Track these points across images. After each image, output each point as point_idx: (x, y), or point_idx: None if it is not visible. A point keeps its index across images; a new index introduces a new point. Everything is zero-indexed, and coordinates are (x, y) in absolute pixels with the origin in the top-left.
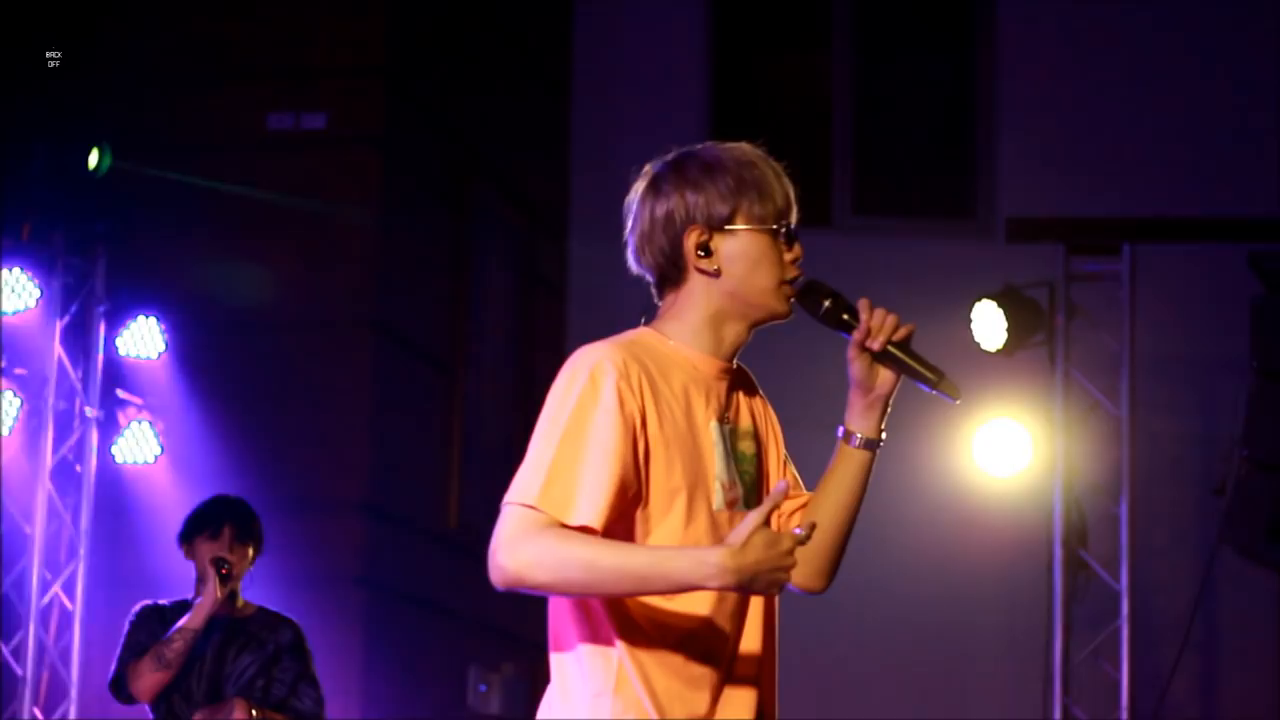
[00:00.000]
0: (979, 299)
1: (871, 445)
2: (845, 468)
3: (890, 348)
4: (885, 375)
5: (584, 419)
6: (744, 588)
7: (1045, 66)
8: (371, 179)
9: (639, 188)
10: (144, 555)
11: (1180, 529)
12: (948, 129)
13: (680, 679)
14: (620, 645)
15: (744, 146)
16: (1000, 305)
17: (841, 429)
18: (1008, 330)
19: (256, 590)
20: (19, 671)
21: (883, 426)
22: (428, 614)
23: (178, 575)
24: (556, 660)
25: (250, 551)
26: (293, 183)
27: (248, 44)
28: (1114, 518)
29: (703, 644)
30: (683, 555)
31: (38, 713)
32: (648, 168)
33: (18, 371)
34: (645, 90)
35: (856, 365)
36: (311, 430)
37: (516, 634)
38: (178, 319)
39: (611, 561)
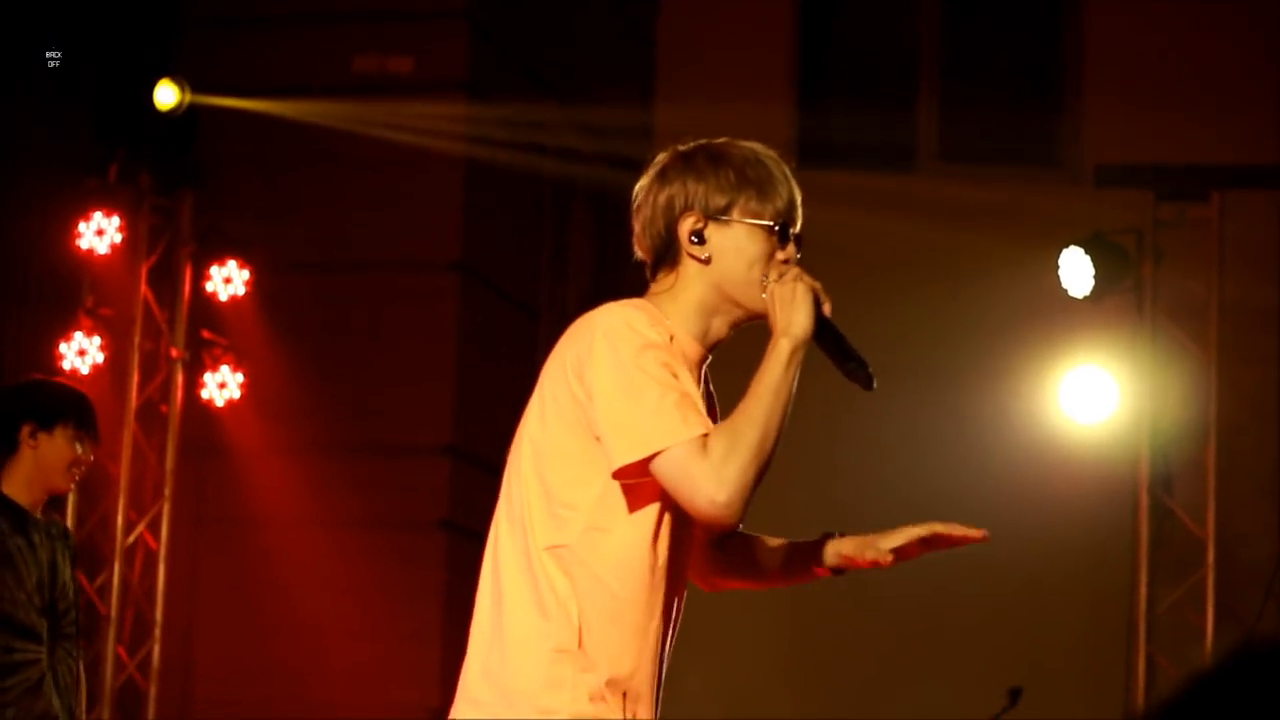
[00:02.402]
0: (1067, 245)
1: (837, 574)
2: (804, 567)
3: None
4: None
5: (653, 358)
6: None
7: (1134, 12)
8: (456, 122)
9: (647, 175)
10: (228, 495)
11: (1265, 477)
12: (1035, 75)
13: (633, 634)
14: (578, 604)
15: (756, 146)
16: (1088, 252)
17: (828, 550)
18: (1095, 277)
19: (340, 530)
20: (104, 610)
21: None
22: None
23: (262, 514)
24: (511, 615)
25: None
26: (378, 125)
27: None
28: (1199, 465)
29: (650, 599)
30: (776, 343)
31: (122, 651)
32: (659, 156)
33: (104, 312)
34: (732, 33)
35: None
36: (396, 373)
37: None
38: (263, 260)
39: (763, 405)
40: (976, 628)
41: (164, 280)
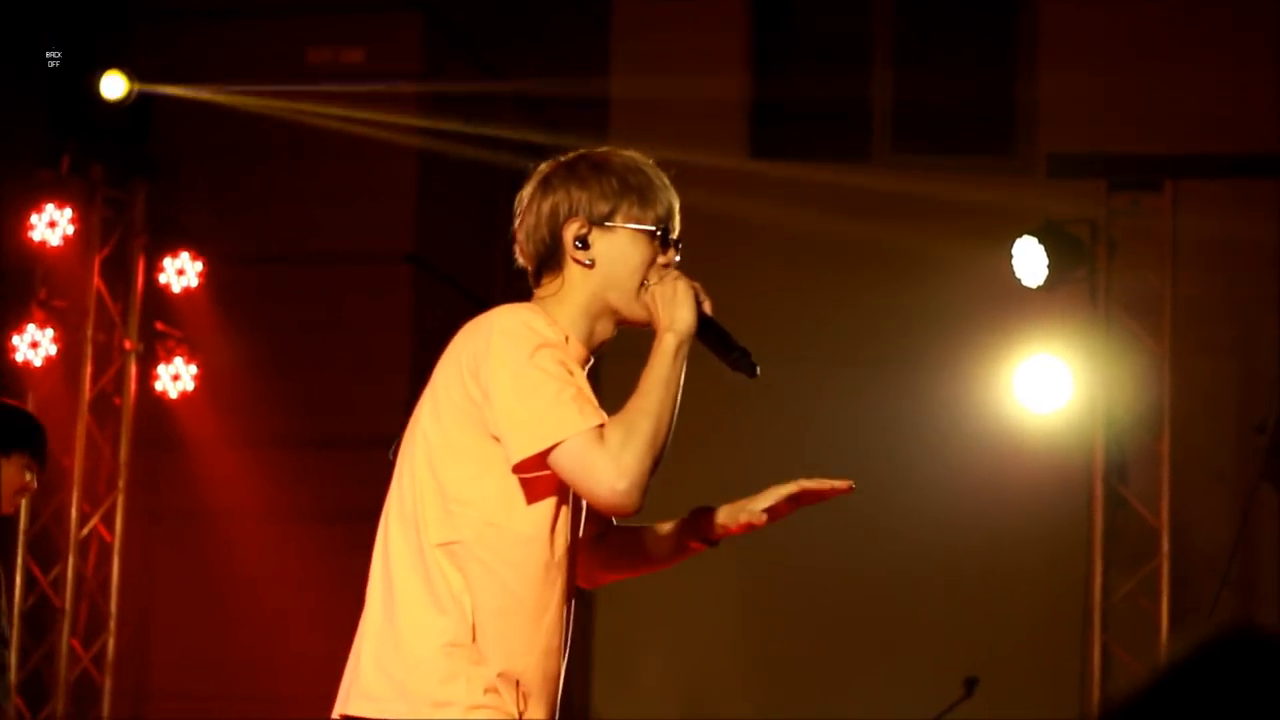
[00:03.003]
0: (1020, 235)
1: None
2: (680, 549)
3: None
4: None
5: (549, 356)
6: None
7: (1087, 2)
8: (409, 114)
9: (530, 184)
10: (182, 488)
11: (1220, 467)
12: (989, 65)
13: (527, 628)
14: (472, 598)
15: (635, 154)
16: (1041, 241)
17: (704, 523)
18: (1049, 266)
19: (296, 522)
20: (58, 603)
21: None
22: None
23: (216, 507)
24: (404, 611)
25: None
26: (331, 116)
27: None
28: (1154, 455)
29: (545, 593)
30: (662, 339)
31: (76, 644)
32: (540, 166)
33: (57, 304)
34: (685, 24)
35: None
36: (350, 364)
37: None
38: (216, 252)
39: (655, 397)
40: (931, 618)
41: (117, 272)
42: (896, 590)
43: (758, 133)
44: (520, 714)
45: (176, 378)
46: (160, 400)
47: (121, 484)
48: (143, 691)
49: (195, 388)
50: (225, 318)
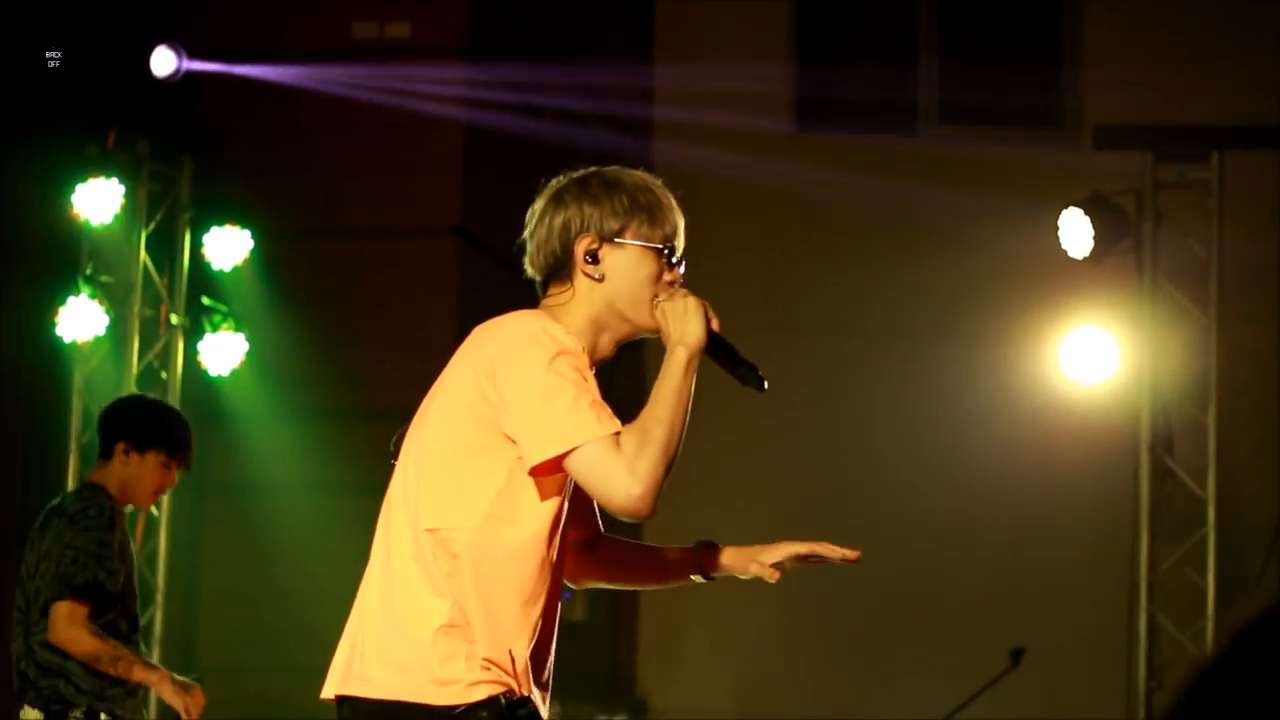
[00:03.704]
0: (1066, 206)
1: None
2: (675, 576)
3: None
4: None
5: (567, 363)
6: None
7: None
8: (455, 87)
9: (542, 198)
10: (229, 462)
11: (1266, 437)
12: (1035, 36)
13: (514, 620)
14: (465, 586)
15: (645, 174)
16: (1087, 213)
17: (707, 560)
18: (1095, 238)
19: (341, 495)
20: None
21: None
22: None
23: (263, 481)
24: (402, 595)
25: None
26: (377, 91)
27: None
28: (1200, 426)
29: (536, 589)
30: (673, 352)
31: None
32: (553, 181)
33: (104, 279)
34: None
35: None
36: (395, 337)
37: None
38: (262, 227)
39: (668, 408)
40: (978, 589)
41: (163, 247)
42: (942, 561)
43: (804, 104)
44: (517, 685)
45: (223, 352)
46: (206, 375)
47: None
48: (190, 665)
49: (241, 362)
50: (271, 292)
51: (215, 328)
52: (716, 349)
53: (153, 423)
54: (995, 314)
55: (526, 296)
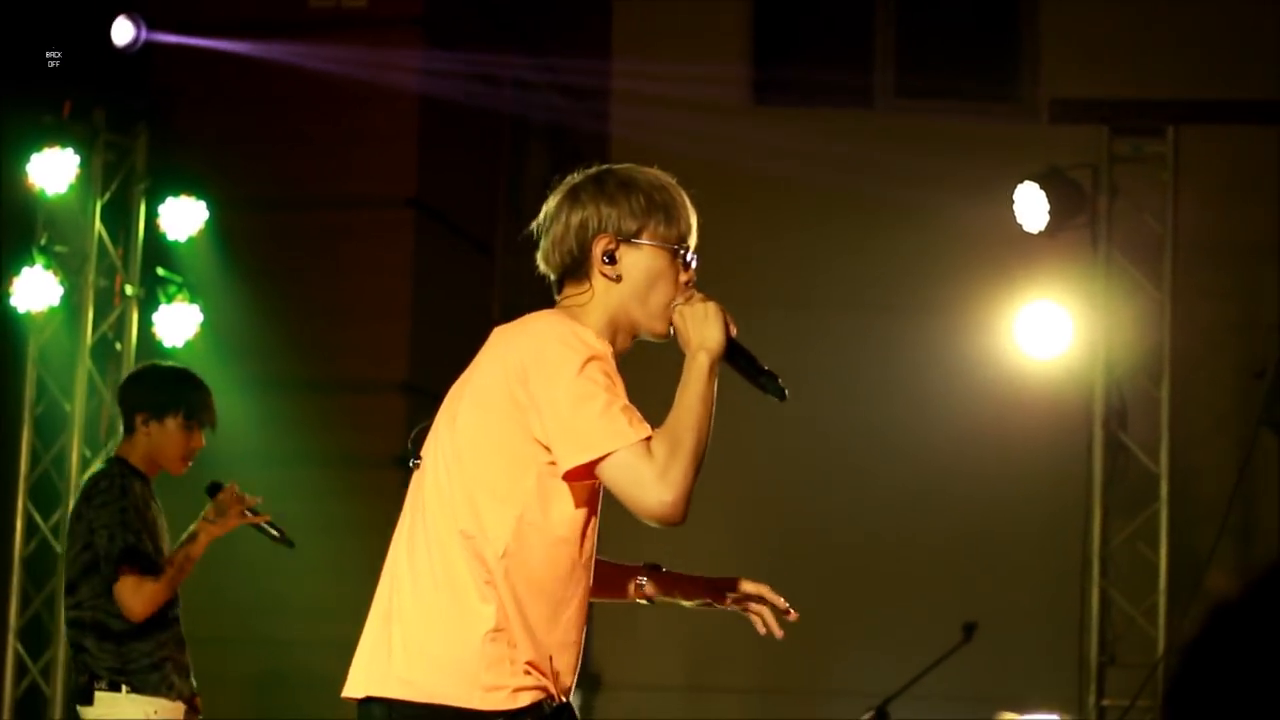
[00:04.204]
0: (1022, 180)
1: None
2: (616, 594)
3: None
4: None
5: (598, 368)
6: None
7: None
8: (411, 58)
9: (557, 195)
10: None
11: (1220, 412)
12: (992, 11)
13: (552, 620)
14: (504, 590)
15: (659, 172)
16: (1043, 187)
17: (646, 583)
18: (1050, 212)
19: (297, 466)
20: (59, 548)
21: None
22: None
23: (216, 452)
24: (439, 600)
25: None
26: (333, 62)
27: None
28: (1154, 400)
29: (569, 590)
30: (695, 357)
31: None
32: (568, 178)
33: (58, 249)
34: None
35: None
36: (351, 309)
37: None
38: (218, 197)
39: (695, 414)
40: (931, 563)
41: (118, 217)
42: (896, 536)
43: (762, 80)
44: (555, 691)
45: (177, 323)
46: (161, 346)
47: (122, 429)
48: None
49: (196, 333)
50: (226, 263)
51: (170, 298)
52: (736, 356)
53: (166, 388)
54: (950, 288)
55: (481, 269)
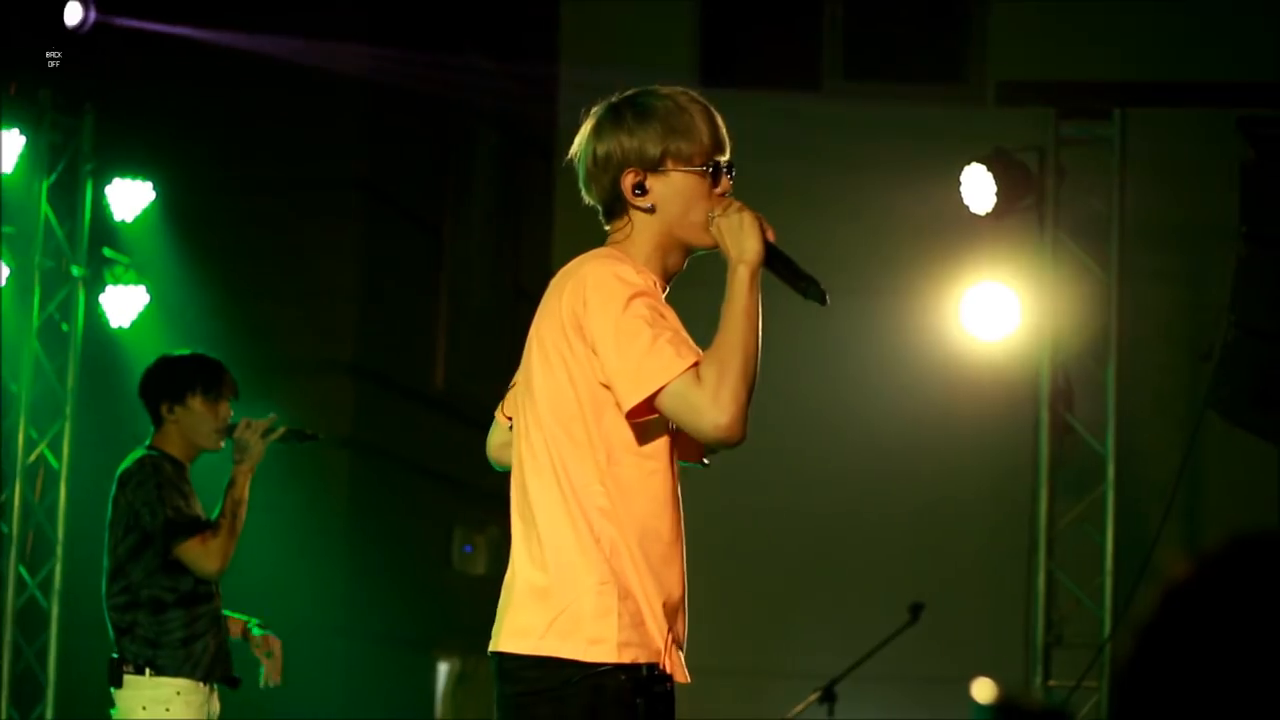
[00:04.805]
0: (969, 162)
1: None
2: None
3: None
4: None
5: (642, 304)
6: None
7: None
8: (360, 40)
9: (585, 129)
10: (131, 414)
11: (1166, 394)
12: None
13: (664, 558)
14: (614, 538)
15: (677, 92)
16: (990, 168)
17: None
18: (997, 194)
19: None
20: (5, 529)
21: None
22: (413, 475)
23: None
24: (553, 554)
25: None
26: (280, 42)
27: None
28: (1100, 382)
29: (674, 523)
30: (735, 271)
31: (23, 570)
32: (593, 110)
33: (5, 230)
34: None
35: None
36: (299, 290)
37: (502, 495)
38: (165, 177)
39: (739, 331)
40: (877, 544)
41: (65, 198)
42: (842, 517)
43: (708, 61)
44: (665, 646)
45: (124, 304)
46: (108, 326)
47: (69, 410)
48: (92, 620)
49: (143, 313)
50: (173, 244)
51: (117, 279)
52: (775, 262)
53: (179, 372)
54: (896, 269)
55: (429, 251)
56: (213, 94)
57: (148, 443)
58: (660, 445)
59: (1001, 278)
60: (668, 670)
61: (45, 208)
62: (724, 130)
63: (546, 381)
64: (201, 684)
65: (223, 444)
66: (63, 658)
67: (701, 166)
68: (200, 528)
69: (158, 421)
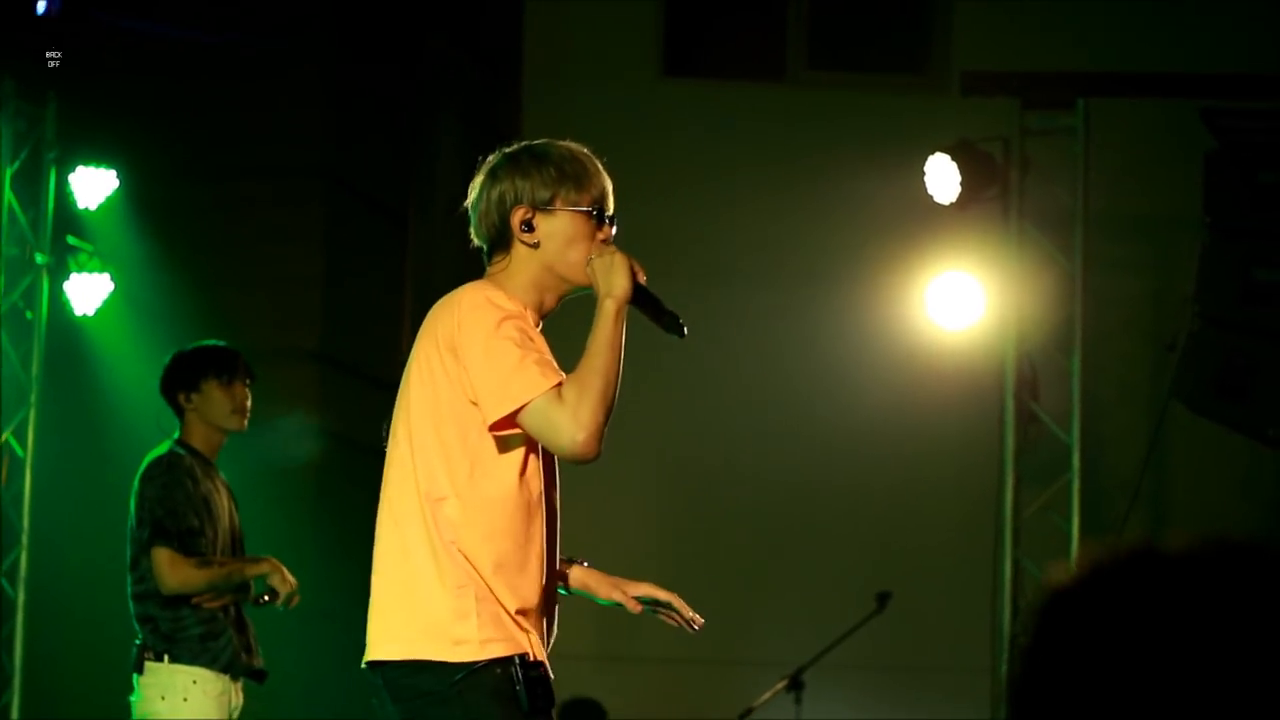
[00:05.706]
0: (933, 152)
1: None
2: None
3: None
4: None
5: (512, 326)
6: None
7: None
8: (324, 27)
9: (480, 174)
10: (95, 402)
11: (1131, 384)
12: None
13: (518, 564)
14: (469, 543)
15: (571, 144)
16: (954, 158)
17: (573, 573)
18: (961, 184)
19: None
20: None
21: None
22: (379, 464)
23: (127, 421)
24: (414, 562)
25: None
26: (243, 29)
27: None
28: (1065, 372)
29: (528, 530)
30: (603, 304)
31: None
32: (489, 158)
33: None
34: None
35: None
36: (263, 279)
37: None
38: (129, 165)
39: (602, 358)
40: (844, 533)
41: (28, 185)
42: (809, 507)
43: (673, 51)
44: (529, 643)
45: (88, 292)
46: (72, 314)
47: (33, 398)
48: (58, 608)
49: (107, 301)
50: (137, 231)
51: (81, 267)
52: (642, 300)
53: (191, 361)
54: (861, 258)
55: (394, 239)
56: (176, 82)
57: (175, 435)
58: (516, 462)
59: (966, 267)
60: (539, 659)
61: (9, 195)
62: (610, 186)
63: (421, 395)
64: (221, 674)
65: (245, 424)
66: (29, 646)
67: (589, 209)
68: (185, 539)
69: (180, 414)
